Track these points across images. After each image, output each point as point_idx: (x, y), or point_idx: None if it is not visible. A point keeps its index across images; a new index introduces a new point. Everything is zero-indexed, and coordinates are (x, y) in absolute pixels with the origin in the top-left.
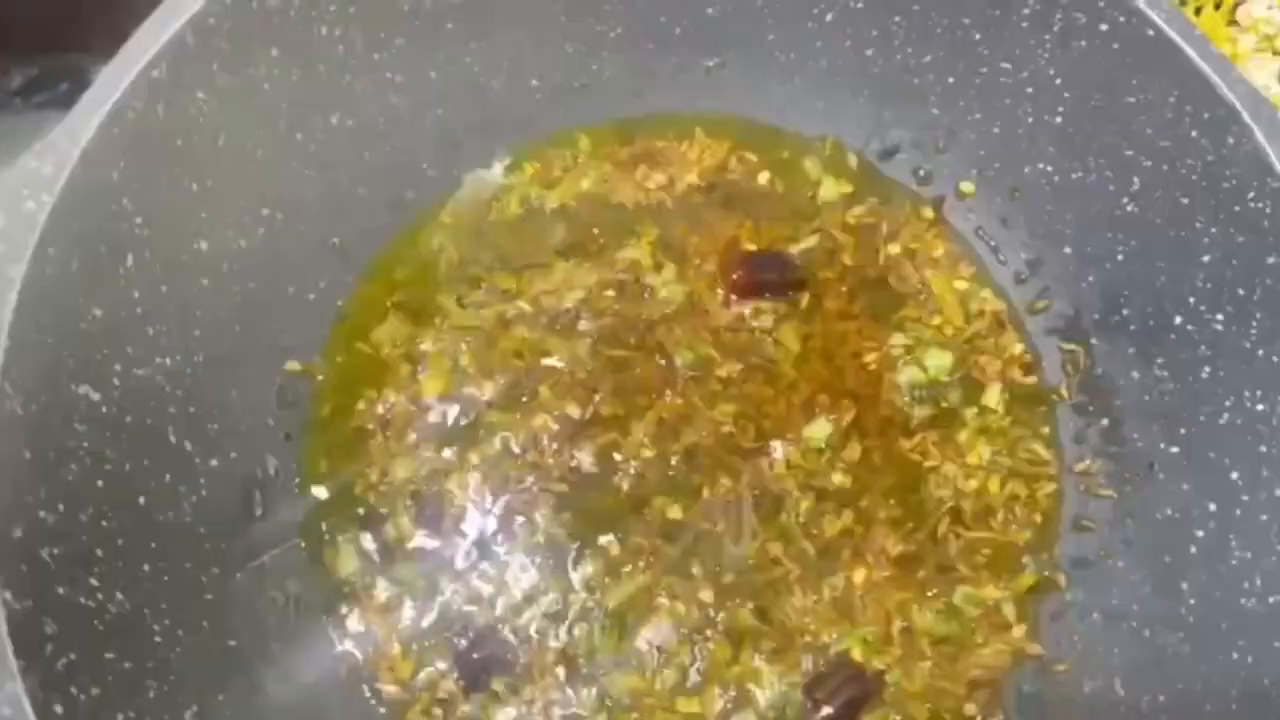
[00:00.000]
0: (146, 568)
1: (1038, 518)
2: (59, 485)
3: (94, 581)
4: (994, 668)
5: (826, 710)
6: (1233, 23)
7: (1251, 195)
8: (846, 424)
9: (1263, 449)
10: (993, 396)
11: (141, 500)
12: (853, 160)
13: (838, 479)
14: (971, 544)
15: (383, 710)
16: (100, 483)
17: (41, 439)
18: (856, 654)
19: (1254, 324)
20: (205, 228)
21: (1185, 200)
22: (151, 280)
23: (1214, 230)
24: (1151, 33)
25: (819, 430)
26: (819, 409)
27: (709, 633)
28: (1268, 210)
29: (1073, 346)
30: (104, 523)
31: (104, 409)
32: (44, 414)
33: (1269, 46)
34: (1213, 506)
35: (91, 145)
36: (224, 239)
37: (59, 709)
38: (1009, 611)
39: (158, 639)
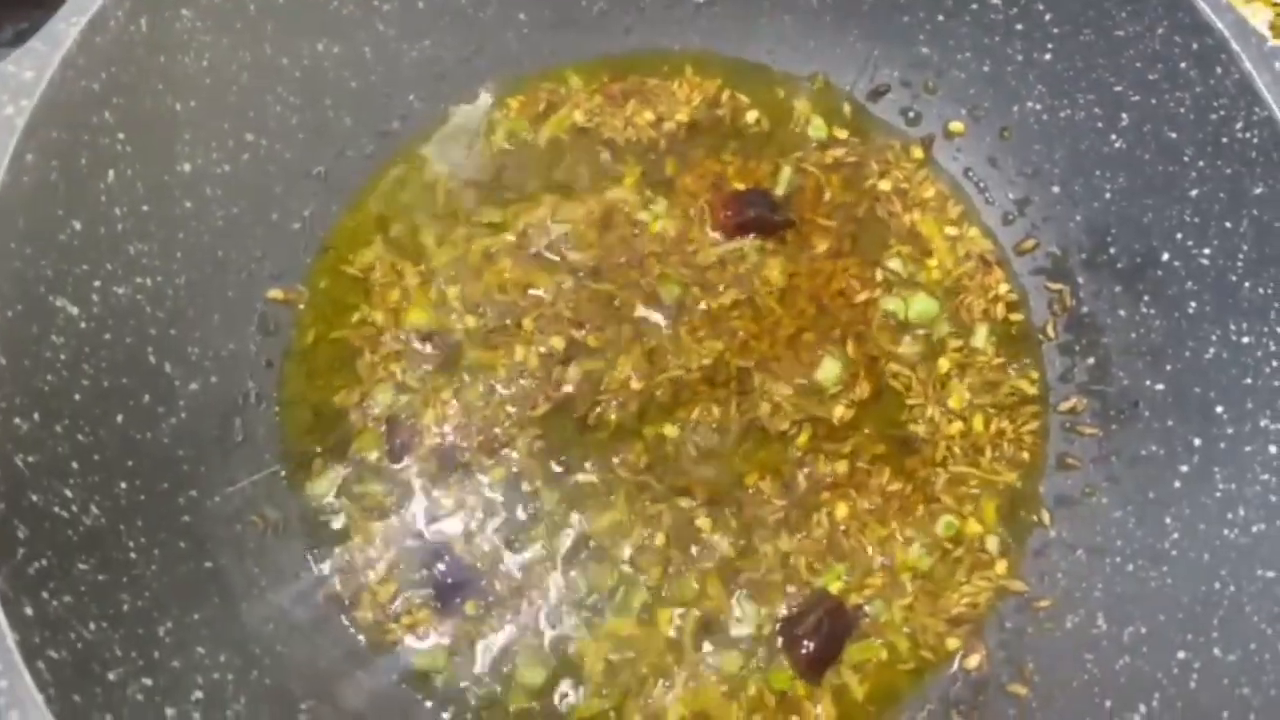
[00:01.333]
0: (123, 485)
1: (1025, 455)
2: (34, 394)
3: (68, 493)
4: (976, 604)
5: (807, 646)
6: None
7: (1239, 125)
8: (852, 360)
9: (1248, 381)
10: (980, 337)
11: (119, 418)
12: (842, 100)
13: (834, 413)
14: (957, 478)
15: (360, 637)
16: (77, 396)
17: (17, 346)
18: (836, 589)
19: (1240, 257)
20: (188, 149)
21: (1173, 134)
22: (133, 198)
23: (1201, 163)
24: None
25: (828, 371)
26: (804, 347)
27: (686, 565)
28: (1254, 140)
29: (1059, 286)
30: (80, 436)
31: (82, 324)
32: (20, 322)
33: None
34: (1197, 441)
35: (72, 52)
36: (207, 162)
37: (29, 611)
38: (992, 547)
39: (133, 554)
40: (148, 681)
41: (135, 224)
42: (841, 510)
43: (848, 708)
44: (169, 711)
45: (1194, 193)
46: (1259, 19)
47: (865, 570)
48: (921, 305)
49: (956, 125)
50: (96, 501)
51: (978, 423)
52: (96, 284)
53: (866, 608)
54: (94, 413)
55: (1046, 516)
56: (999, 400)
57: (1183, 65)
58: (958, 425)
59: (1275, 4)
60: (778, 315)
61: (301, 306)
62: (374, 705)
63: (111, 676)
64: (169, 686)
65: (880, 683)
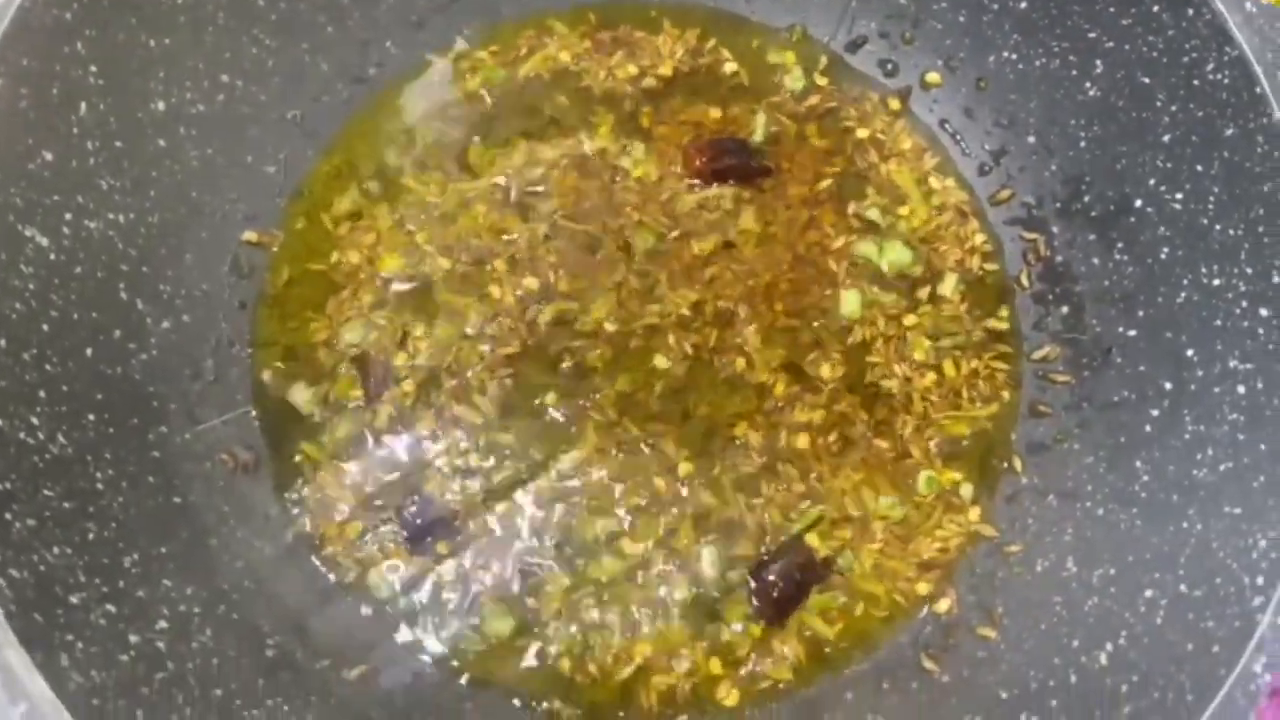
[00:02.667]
0: (91, 416)
1: (1005, 394)
2: (1, 321)
3: (34, 420)
4: (947, 549)
5: (775, 588)
6: None
7: (1210, 67)
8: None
9: (1218, 323)
10: (948, 286)
11: (89, 351)
12: (820, 51)
13: (812, 367)
14: (933, 426)
15: (330, 575)
16: (45, 327)
17: None
18: (811, 538)
19: (1211, 200)
20: (162, 88)
21: (1146, 80)
22: (105, 133)
23: (1174, 108)
24: None
25: (851, 304)
26: (779, 295)
27: (658, 509)
28: (1225, 80)
29: (1034, 236)
30: (48, 366)
31: (52, 255)
32: None
33: None
34: (1168, 385)
35: None
36: (182, 102)
37: None
38: (965, 494)
39: (100, 485)
40: (111, 608)
41: (108, 159)
42: (815, 459)
43: (817, 651)
44: (132, 638)
45: (1166, 138)
46: None
47: (838, 519)
48: (896, 254)
49: (933, 76)
50: (64, 431)
51: (949, 368)
52: (67, 216)
53: (839, 560)
54: (62, 344)
55: (1019, 463)
56: (968, 343)
57: (1155, 9)
58: (931, 376)
59: None
60: (753, 263)
61: (275, 249)
62: (342, 641)
63: (74, 600)
64: (133, 614)
65: (851, 626)
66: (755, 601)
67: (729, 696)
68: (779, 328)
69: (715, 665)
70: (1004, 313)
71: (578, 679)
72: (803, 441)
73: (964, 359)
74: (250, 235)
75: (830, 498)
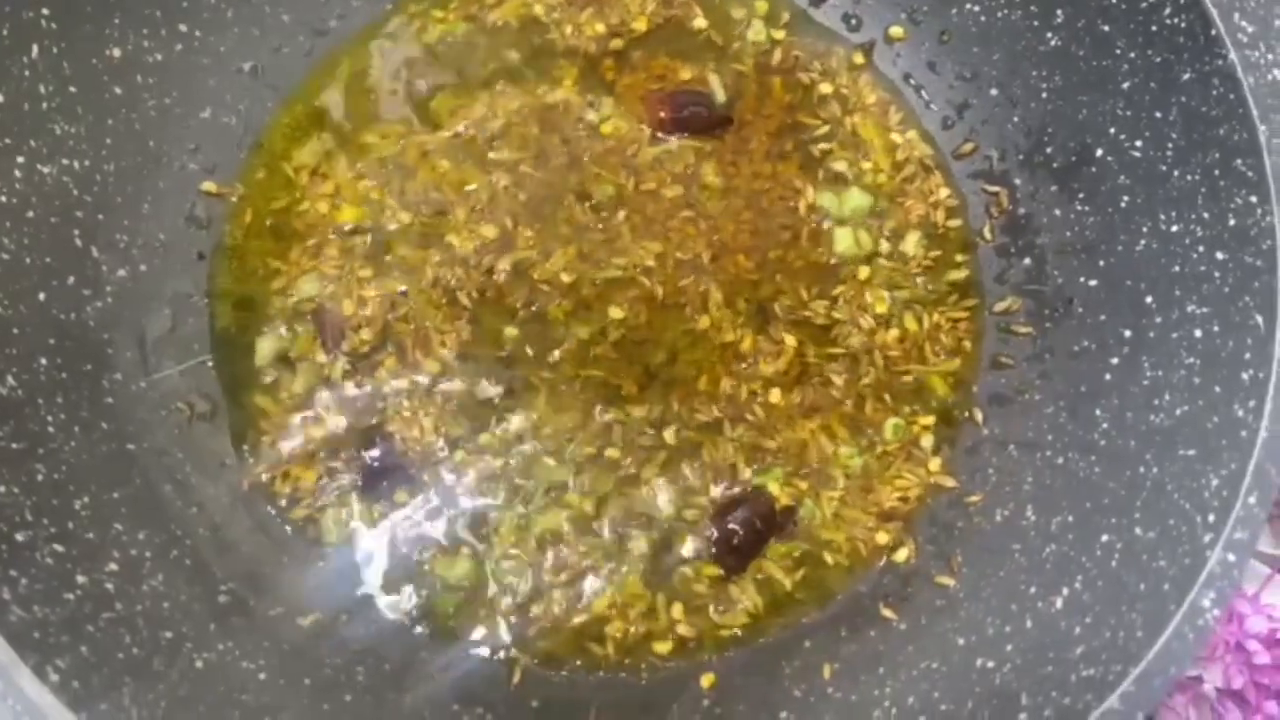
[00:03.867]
0: (43, 361)
1: (968, 344)
2: None
3: None
4: (907, 499)
5: (736, 535)
6: None
7: (1168, 11)
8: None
9: (1176, 269)
10: (911, 242)
11: (41, 296)
12: (782, 5)
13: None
14: (891, 379)
15: (286, 528)
16: None
17: None
18: (772, 486)
19: (1169, 146)
20: (118, 34)
21: (1106, 27)
22: (59, 77)
23: (1133, 54)
24: None
25: (844, 243)
26: (742, 248)
27: (619, 457)
28: (1182, 25)
29: (996, 189)
30: None
31: (3, 198)
32: None
33: None
34: (1127, 333)
35: None
36: (138, 49)
37: None
38: (926, 444)
39: (50, 429)
40: (59, 548)
41: (62, 104)
42: (776, 410)
43: (777, 598)
44: (80, 578)
45: (1126, 85)
46: None
47: (798, 468)
48: (855, 201)
49: (896, 30)
50: (14, 374)
51: (910, 322)
52: (20, 160)
53: (799, 509)
54: (13, 287)
55: (979, 415)
56: (927, 297)
57: None
58: (893, 331)
59: None
60: (717, 217)
61: (235, 200)
62: (296, 589)
63: (19, 537)
64: (81, 555)
65: (810, 575)
66: (714, 550)
67: (687, 643)
68: (742, 280)
69: (677, 611)
70: (965, 265)
71: (531, 629)
72: (763, 392)
73: (925, 313)
74: (209, 186)
75: (790, 447)
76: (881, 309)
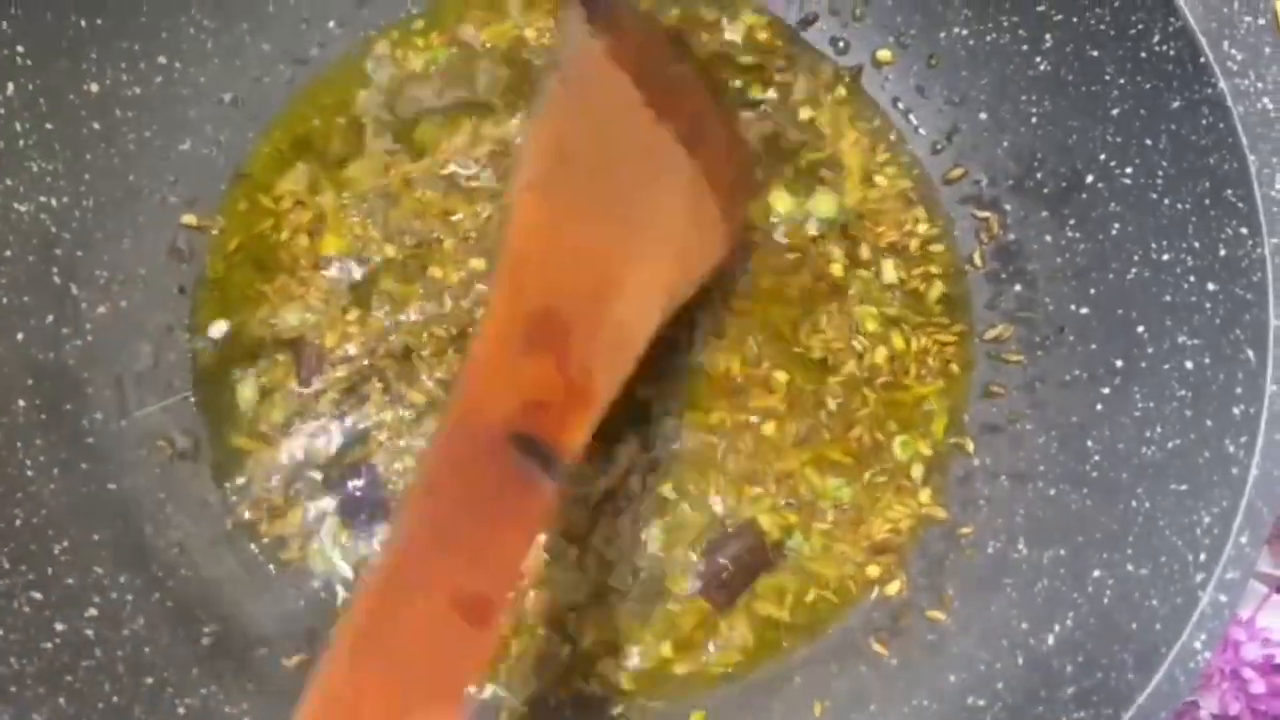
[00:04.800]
0: (21, 403)
1: (954, 367)
2: None
3: None
4: (899, 531)
5: (725, 573)
6: None
7: (1156, 38)
8: None
9: (1167, 298)
10: (888, 272)
11: (19, 336)
12: (770, 27)
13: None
14: (889, 402)
15: (270, 566)
16: None
17: None
18: (762, 518)
19: (1160, 174)
20: (95, 69)
21: (1095, 52)
22: (35, 114)
23: (1122, 80)
24: None
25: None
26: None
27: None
28: (1171, 52)
29: (986, 214)
30: None
31: None
32: None
33: None
34: (1119, 363)
35: None
36: (116, 84)
37: None
38: (916, 475)
39: (30, 471)
40: (37, 595)
41: (39, 141)
42: (764, 441)
43: (764, 635)
44: (59, 626)
45: (1116, 111)
46: None
47: (788, 499)
48: (825, 204)
49: (884, 54)
50: None
51: (898, 341)
52: None
53: (789, 543)
54: None
55: (970, 444)
56: (915, 320)
57: None
58: (882, 351)
59: None
60: None
61: (216, 233)
62: (281, 629)
63: None
64: (60, 601)
65: (800, 610)
66: (702, 585)
67: (678, 681)
68: (731, 309)
69: (666, 649)
70: (957, 298)
71: (517, 668)
72: (753, 423)
73: (913, 336)
74: (190, 219)
75: (778, 479)
76: (872, 326)
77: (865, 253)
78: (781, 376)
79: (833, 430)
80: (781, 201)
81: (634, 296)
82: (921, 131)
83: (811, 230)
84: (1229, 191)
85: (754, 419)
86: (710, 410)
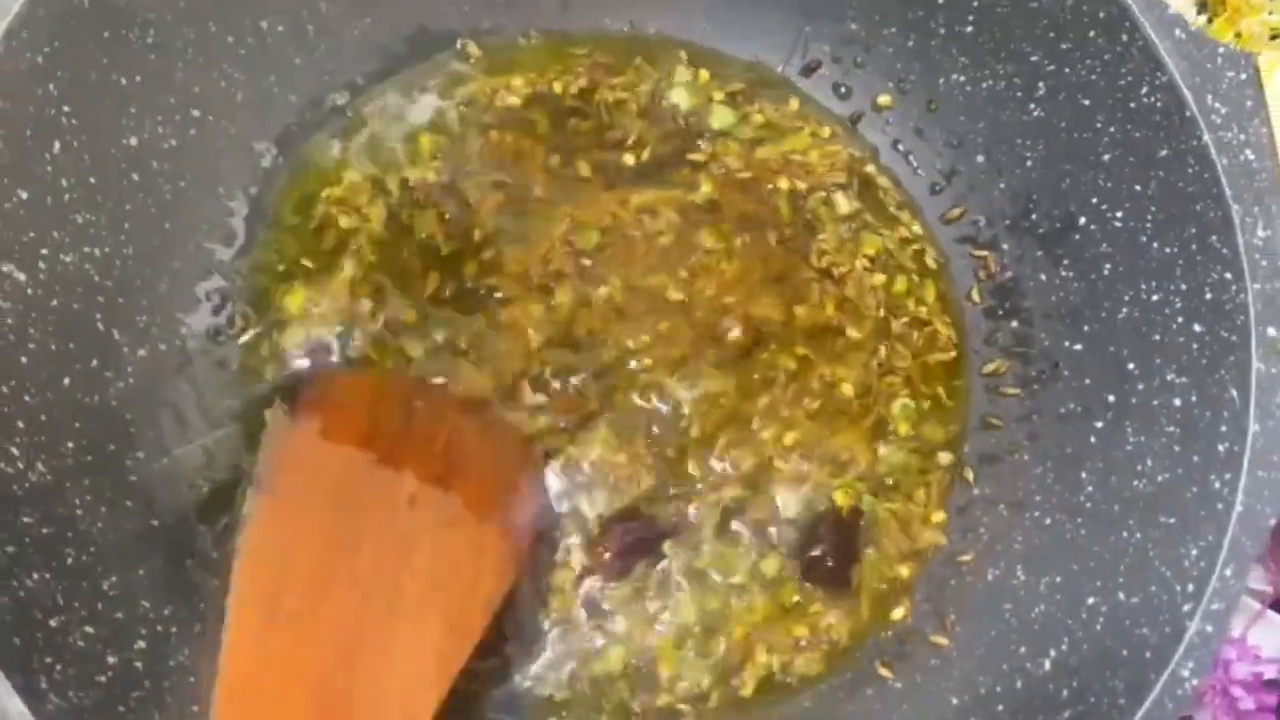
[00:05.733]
0: (70, 445)
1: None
2: None
3: (14, 450)
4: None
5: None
6: None
7: (1144, 90)
8: None
9: (1156, 338)
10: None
11: (66, 381)
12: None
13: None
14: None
15: None
16: (24, 359)
17: None
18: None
19: (1149, 218)
20: (134, 124)
21: (1086, 101)
22: (80, 169)
23: (1112, 129)
24: None
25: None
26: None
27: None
28: (1158, 104)
29: (983, 253)
30: (26, 397)
31: (29, 290)
32: None
33: None
34: (1111, 398)
35: (15, 25)
36: (153, 136)
37: None
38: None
39: (79, 511)
40: (90, 630)
41: (82, 194)
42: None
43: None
44: (110, 659)
45: (1107, 157)
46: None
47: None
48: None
49: (885, 99)
50: (43, 460)
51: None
52: (44, 251)
53: (862, 505)
54: (41, 375)
55: (970, 474)
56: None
57: (1091, 34)
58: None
59: None
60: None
61: (247, 274)
62: None
63: (53, 624)
64: (111, 636)
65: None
66: (812, 580)
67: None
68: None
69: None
70: (954, 340)
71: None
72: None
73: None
74: (223, 256)
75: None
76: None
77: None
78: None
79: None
80: None
81: (400, 683)
82: (921, 173)
83: None
84: (1214, 238)
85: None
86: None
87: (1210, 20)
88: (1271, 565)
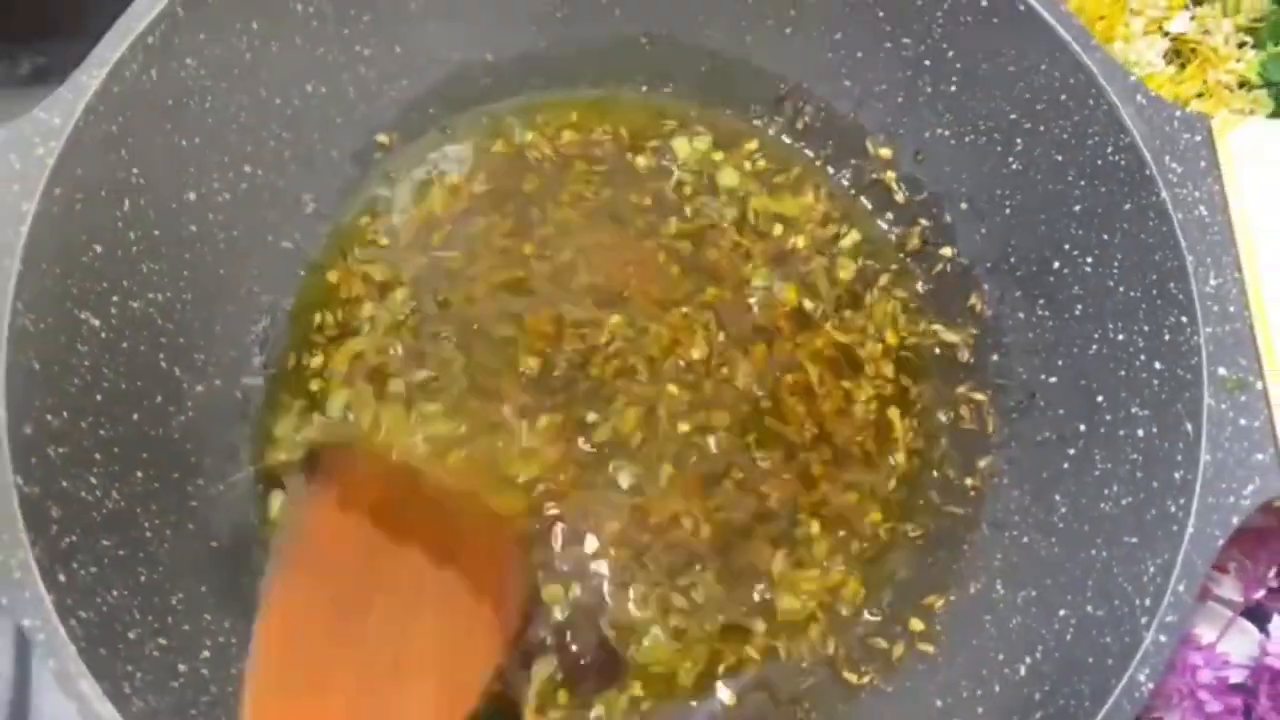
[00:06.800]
0: (139, 474)
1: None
2: (63, 395)
3: (92, 480)
4: None
5: None
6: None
7: (1109, 150)
8: None
9: (1122, 373)
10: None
11: (135, 416)
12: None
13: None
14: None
15: None
16: (98, 397)
17: (48, 354)
18: None
19: (1115, 264)
20: (193, 180)
21: (1059, 157)
22: (145, 224)
23: (1082, 183)
24: (1022, 8)
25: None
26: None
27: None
28: (1122, 163)
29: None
30: (101, 431)
31: (102, 334)
32: (50, 332)
33: (1156, 28)
34: (1082, 427)
35: (93, 101)
36: (210, 191)
37: (62, 578)
38: None
39: (148, 534)
40: (163, 641)
41: (147, 246)
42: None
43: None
44: (181, 667)
45: (1077, 208)
46: (1155, 49)
47: None
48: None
49: (884, 151)
50: (117, 488)
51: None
52: (115, 299)
53: None
54: (113, 411)
55: None
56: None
57: (1062, 97)
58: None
59: (1168, 33)
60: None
61: (291, 314)
62: None
63: (131, 635)
64: (180, 646)
65: None
66: None
67: None
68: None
69: None
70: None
71: None
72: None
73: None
74: (269, 298)
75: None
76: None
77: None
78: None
79: None
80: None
81: None
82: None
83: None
84: (1171, 285)
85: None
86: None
87: (1182, 68)
88: (1241, 575)
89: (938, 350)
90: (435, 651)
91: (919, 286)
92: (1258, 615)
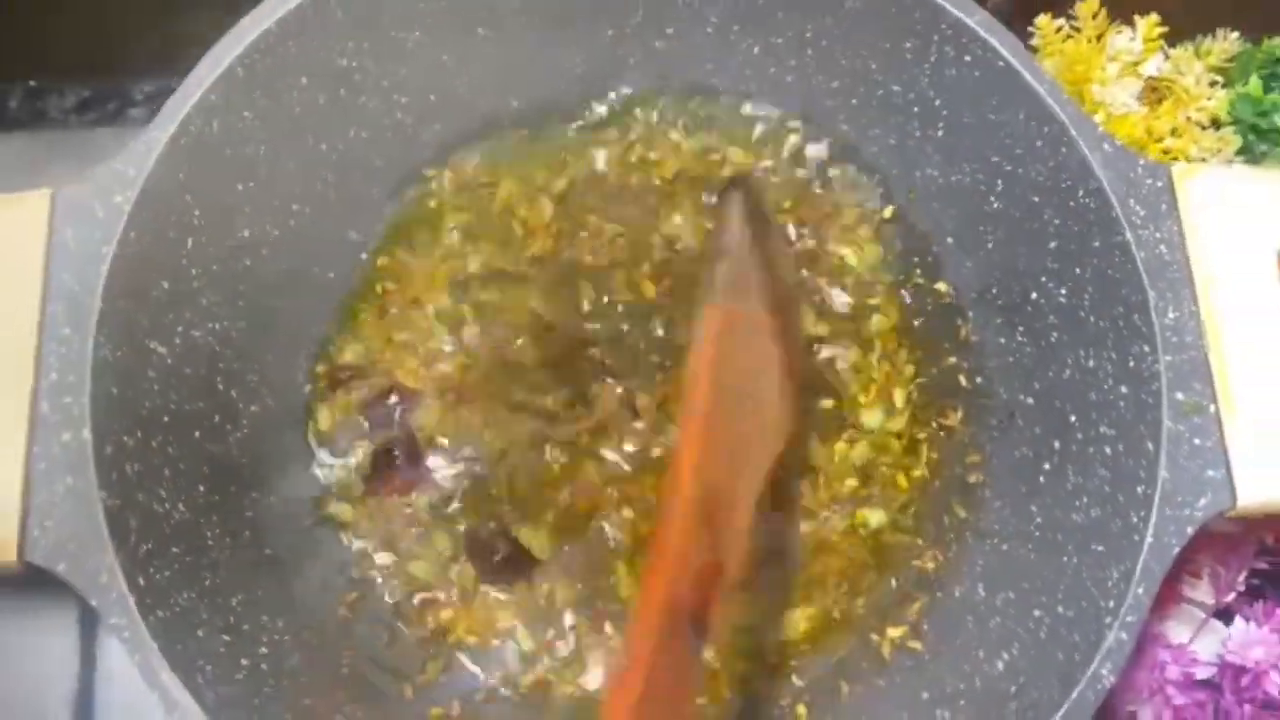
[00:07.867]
0: (201, 488)
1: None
2: (136, 418)
3: (162, 493)
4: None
5: None
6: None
7: (1080, 192)
8: None
9: (1092, 396)
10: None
11: (196, 434)
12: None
13: None
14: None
15: (399, 625)
16: (166, 419)
17: (124, 381)
18: None
19: (1086, 296)
20: (248, 220)
21: (1036, 198)
22: (206, 260)
23: (1057, 221)
24: (1001, 64)
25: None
26: None
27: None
28: (1091, 205)
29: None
30: (169, 450)
31: (169, 361)
32: (126, 362)
33: (1131, 71)
34: (1057, 445)
35: (163, 154)
36: (263, 229)
37: (141, 581)
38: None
39: (210, 543)
40: (226, 639)
41: (207, 280)
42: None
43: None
44: (243, 662)
45: (1053, 244)
46: (1129, 91)
47: None
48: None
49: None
50: (183, 500)
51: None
52: (179, 329)
53: None
54: (178, 431)
55: None
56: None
57: (1038, 144)
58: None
59: (1143, 75)
60: None
61: (337, 341)
62: (405, 664)
63: (201, 633)
64: (241, 643)
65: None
66: None
67: None
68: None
69: None
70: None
71: None
72: None
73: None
74: (317, 329)
75: None
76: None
77: None
78: None
79: None
80: None
81: (750, 481)
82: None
83: None
84: (1135, 317)
85: None
86: None
87: (1158, 104)
88: (1214, 580)
89: (933, 372)
90: (772, 412)
91: (913, 319)
92: (1229, 617)
